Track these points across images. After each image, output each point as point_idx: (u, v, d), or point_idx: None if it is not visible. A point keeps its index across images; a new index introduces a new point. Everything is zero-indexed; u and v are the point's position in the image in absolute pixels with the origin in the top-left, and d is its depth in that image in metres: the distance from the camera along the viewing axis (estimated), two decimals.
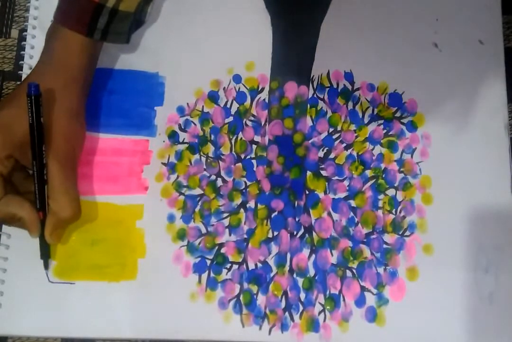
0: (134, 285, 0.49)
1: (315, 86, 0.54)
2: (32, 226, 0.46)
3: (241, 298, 0.49)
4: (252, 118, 0.53)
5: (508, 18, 0.57)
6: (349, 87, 0.54)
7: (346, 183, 0.52)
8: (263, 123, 0.53)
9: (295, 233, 0.51)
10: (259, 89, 0.54)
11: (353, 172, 0.52)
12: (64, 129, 0.47)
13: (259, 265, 0.50)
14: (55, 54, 0.48)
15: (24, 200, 0.46)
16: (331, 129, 0.53)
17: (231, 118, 0.53)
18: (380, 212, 0.51)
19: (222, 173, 0.52)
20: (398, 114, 0.53)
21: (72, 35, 0.47)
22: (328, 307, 0.49)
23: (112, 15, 0.48)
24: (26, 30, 0.55)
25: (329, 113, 0.53)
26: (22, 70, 0.53)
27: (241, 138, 0.53)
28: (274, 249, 0.50)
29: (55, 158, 0.46)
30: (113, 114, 0.53)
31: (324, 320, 0.49)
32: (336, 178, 0.52)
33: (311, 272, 0.50)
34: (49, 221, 0.47)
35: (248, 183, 0.52)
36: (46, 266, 0.49)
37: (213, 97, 0.53)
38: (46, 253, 0.49)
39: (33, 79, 0.46)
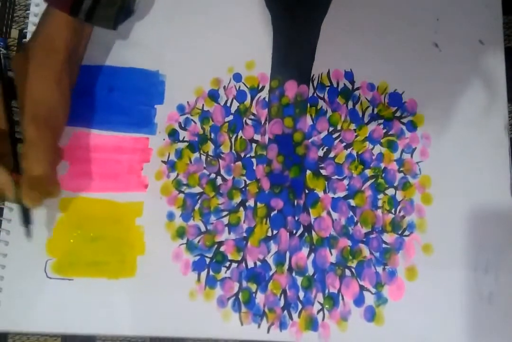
0: (133, 282, 0.50)
1: (315, 85, 0.54)
2: (5, 187, 0.46)
3: (240, 296, 0.50)
4: (252, 117, 0.54)
5: (508, 19, 0.57)
6: (349, 86, 0.54)
7: (345, 182, 0.52)
8: (263, 122, 0.53)
9: (294, 231, 0.51)
10: (259, 88, 0.54)
11: (353, 171, 0.52)
12: (44, 93, 0.48)
13: (258, 263, 0.50)
14: (42, 27, 0.50)
15: None
16: (331, 129, 0.53)
17: (231, 117, 0.54)
18: (379, 212, 0.52)
19: (222, 171, 0.52)
20: (398, 114, 0.54)
21: (58, 13, 0.49)
22: (327, 306, 0.49)
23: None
24: (26, 30, 0.55)
25: (329, 113, 0.54)
26: None
27: (241, 137, 0.53)
28: (273, 247, 0.51)
29: (32, 121, 0.47)
30: (113, 112, 0.53)
31: (323, 319, 0.49)
32: (336, 177, 0.52)
33: (310, 271, 0.50)
34: (23, 181, 0.46)
35: (248, 182, 0.52)
36: (28, 233, 0.48)
37: (213, 95, 0.54)
38: (27, 219, 0.48)
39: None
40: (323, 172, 0.52)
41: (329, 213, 0.51)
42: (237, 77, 0.54)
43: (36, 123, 0.48)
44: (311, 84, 0.54)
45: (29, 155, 0.47)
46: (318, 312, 0.49)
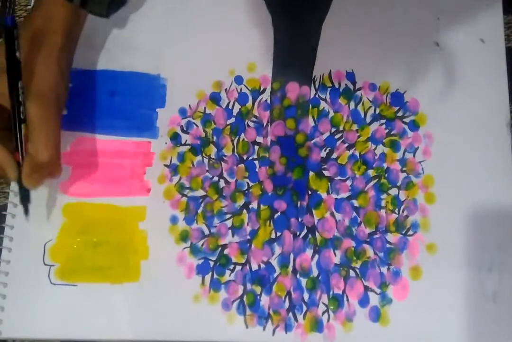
0: (137, 287, 0.51)
1: (317, 87, 0.56)
2: (7, 167, 0.47)
3: (244, 299, 0.51)
4: (254, 119, 0.55)
5: (509, 18, 0.59)
6: (351, 87, 0.56)
7: (348, 182, 0.54)
8: (265, 124, 0.55)
9: (298, 233, 0.52)
10: (261, 90, 0.55)
11: (356, 172, 0.54)
12: (46, 72, 0.49)
13: (262, 265, 0.52)
14: (39, 9, 0.51)
15: None
16: (333, 129, 0.55)
17: (233, 120, 0.55)
18: (383, 212, 0.53)
19: (225, 174, 0.54)
20: (400, 114, 0.55)
21: None
22: (331, 307, 0.51)
23: None
24: None
25: (331, 113, 0.55)
26: None
27: (243, 139, 0.54)
28: (277, 249, 0.52)
29: (35, 100, 0.48)
30: (115, 116, 0.54)
31: (328, 320, 0.51)
32: (339, 178, 0.54)
33: (315, 272, 0.52)
34: (26, 163, 0.48)
35: (251, 184, 0.53)
36: (26, 211, 0.49)
37: (215, 98, 0.55)
38: (25, 198, 0.49)
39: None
40: (326, 173, 0.54)
41: (332, 214, 0.53)
42: (239, 79, 0.56)
43: (39, 101, 0.48)
44: (312, 85, 0.56)
45: (35, 139, 0.48)
46: (323, 313, 0.51)
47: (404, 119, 0.55)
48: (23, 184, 0.48)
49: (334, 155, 0.54)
